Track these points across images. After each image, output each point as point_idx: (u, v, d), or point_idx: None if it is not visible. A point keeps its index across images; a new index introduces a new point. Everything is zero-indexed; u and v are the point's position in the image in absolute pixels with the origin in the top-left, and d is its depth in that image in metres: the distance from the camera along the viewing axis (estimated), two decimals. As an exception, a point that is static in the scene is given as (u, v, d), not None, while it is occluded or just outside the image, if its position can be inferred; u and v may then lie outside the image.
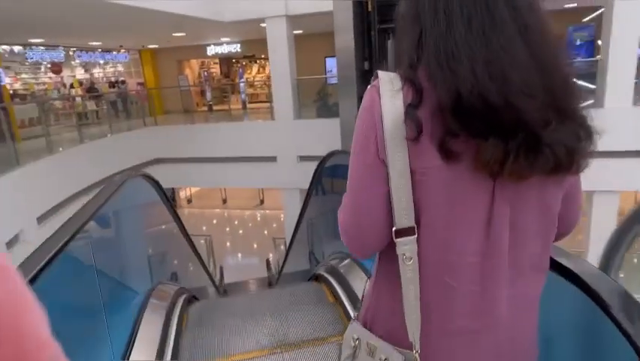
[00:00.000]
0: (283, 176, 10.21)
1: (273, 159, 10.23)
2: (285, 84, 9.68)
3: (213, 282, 7.77)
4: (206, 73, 18.54)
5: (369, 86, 0.81)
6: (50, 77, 21.06)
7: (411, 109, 0.74)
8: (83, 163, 8.63)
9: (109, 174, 9.43)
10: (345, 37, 7.23)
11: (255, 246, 14.54)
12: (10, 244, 6.11)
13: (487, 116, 0.70)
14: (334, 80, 11.04)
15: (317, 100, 10.09)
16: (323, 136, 9.73)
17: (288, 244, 10.66)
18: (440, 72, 0.72)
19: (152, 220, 4.31)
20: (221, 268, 10.93)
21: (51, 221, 7.08)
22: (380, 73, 0.80)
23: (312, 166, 10.25)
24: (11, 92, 14.49)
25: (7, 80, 19.35)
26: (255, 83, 19.10)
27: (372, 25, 7.37)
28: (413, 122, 0.73)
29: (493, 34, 0.72)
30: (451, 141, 0.72)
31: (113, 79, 17.21)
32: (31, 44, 13.72)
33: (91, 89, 15.48)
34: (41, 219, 6.89)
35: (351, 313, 2.89)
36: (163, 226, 4.62)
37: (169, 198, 4.47)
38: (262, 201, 18.37)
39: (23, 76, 20.83)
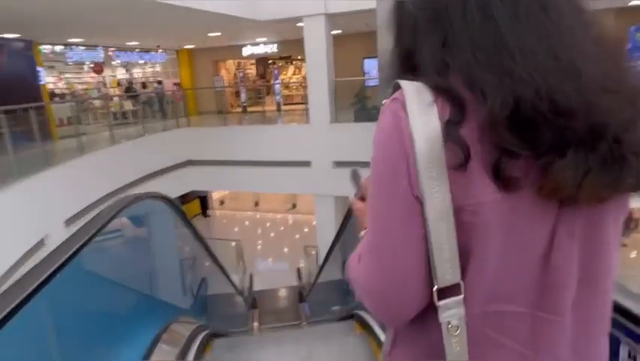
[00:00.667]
0: (317, 182, 9.78)
1: (307, 163, 9.82)
2: (321, 86, 9.25)
3: (241, 293, 7.46)
4: (241, 74, 18.41)
5: (386, 101, 0.67)
6: (92, 77, 21.64)
7: (452, 127, 0.59)
8: (114, 164, 8.49)
9: (140, 175, 9.31)
10: (388, 37, 6.73)
11: (286, 250, 14.22)
12: (35, 247, 5.95)
13: (559, 126, 0.55)
14: (373, 83, 10.55)
15: (354, 103, 9.60)
16: (360, 141, 9.21)
17: (325, 255, 10.24)
18: (489, 75, 0.57)
19: (169, 244, 3.96)
20: (250, 276, 10.61)
21: (80, 224, 6.93)
22: (403, 82, 0.64)
23: (349, 172, 9.66)
24: (53, 91, 14.79)
25: (50, 80, 19.95)
26: (290, 85, 18.82)
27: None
28: (456, 144, 0.58)
29: (548, 20, 0.58)
30: (510, 165, 0.57)
31: (143, 80, 17.37)
32: (70, 44, 13.90)
33: (129, 89, 15.60)
34: (69, 222, 6.72)
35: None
36: (183, 248, 4.26)
37: (187, 218, 4.11)
38: (294, 206, 18.05)
39: (67, 75, 21.45)
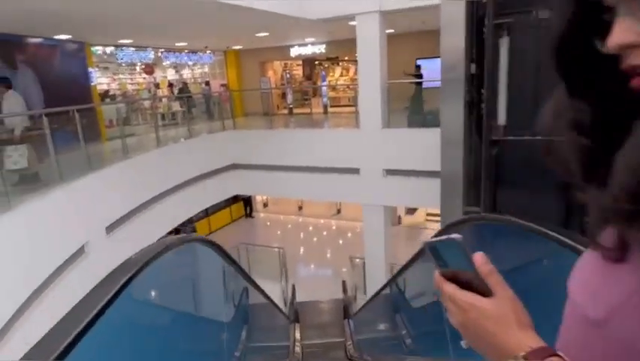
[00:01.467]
0: (366, 190, 9.19)
1: (355, 171, 9.25)
2: (373, 88, 8.64)
3: (282, 312, 7.02)
4: (288, 75, 18.08)
5: None
6: (144, 78, 22.09)
7: None
8: (158, 167, 8.29)
9: (184, 179, 9.08)
10: (454, 35, 6.00)
11: (329, 256, 13.75)
12: (76, 255, 5.75)
13: None
14: (429, 85, 9.82)
15: (408, 107, 8.93)
16: (414, 148, 8.56)
17: (371, 268, 9.62)
18: None
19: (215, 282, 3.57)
20: (293, 287, 10.17)
21: (121, 231, 6.71)
22: None
23: (400, 181, 9.17)
24: (107, 91, 15.04)
25: (104, 80, 20.47)
26: (338, 87, 18.30)
27: (485, 18, 6.08)
28: None
29: None
30: None
31: (191, 80, 17.38)
32: (121, 45, 14.04)
33: (182, 90, 15.64)
34: (110, 228, 6.51)
35: None
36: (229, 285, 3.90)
37: (232, 258, 3.73)
38: (339, 211, 17.50)
39: (120, 76, 21.99)
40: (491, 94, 4.75)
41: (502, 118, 4.89)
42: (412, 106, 8.87)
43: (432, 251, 0.67)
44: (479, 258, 0.64)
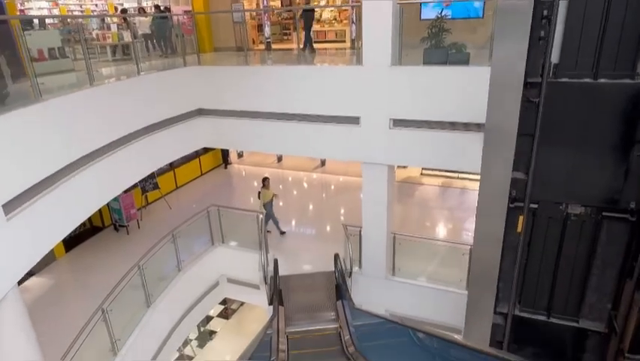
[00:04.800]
0: (368, 146, 7.32)
1: (354, 120, 7.31)
2: (381, 12, 6.53)
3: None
4: (265, 1, 15.44)
5: None
6: (96, 5, 18.89)
7: None
8: (96, 114, 6.15)
9: (133, 129, 6.97)
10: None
11: (312, 213, 12.11)
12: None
13: None
14: (456, 13, 7.71)
15: (425, 39, 6.89)
16: (434, 92, 6.65)
17: (369, 235, 7.96)
18: None
19: None
20: (275, 262, 8.49)
21: (28, 211, 4.70)
22: None
23: (411, 135, 7.25)
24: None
25: (44, 5, 17.20)
26: (323, 19, 15.82)
27: None
28: None
29: None
30: None
31: (144, 8, 14.64)
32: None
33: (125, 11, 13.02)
34: (11, 207, 4.50)
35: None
36: None
37: None
38: (323, 163, 15.67)
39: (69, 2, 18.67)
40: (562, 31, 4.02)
41: (567, 59, 4.11)
42: (431, 38, 6.82)
43: None
44: None
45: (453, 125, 6.63)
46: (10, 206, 4.49)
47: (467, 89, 6.28)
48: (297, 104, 7.67)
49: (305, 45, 10.75)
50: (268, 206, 10.22)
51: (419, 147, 6.99)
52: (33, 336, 4.96)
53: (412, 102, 6.81)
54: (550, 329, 5.28)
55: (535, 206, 4.93)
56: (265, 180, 10.34)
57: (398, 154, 7.18)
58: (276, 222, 10.48)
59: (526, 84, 4.40)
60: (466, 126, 6.54)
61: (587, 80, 4.14)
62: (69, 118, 5.62)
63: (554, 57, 4.20)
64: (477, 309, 5.81)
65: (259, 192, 10.38)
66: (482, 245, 5.41)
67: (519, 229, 5.29)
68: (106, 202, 6.68)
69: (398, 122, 7.03)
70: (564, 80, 4.21)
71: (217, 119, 8.40)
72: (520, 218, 5.24)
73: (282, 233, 10.51)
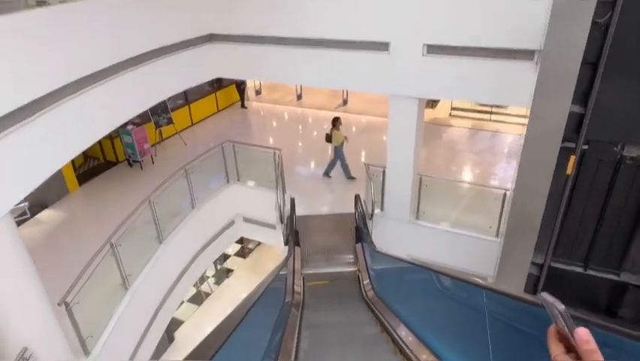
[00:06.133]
0: (397, 76, 6.54)
1: (383, 46, 6.49)
2: None
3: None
4: None
5: None
6: None
7: None
8: (87, 35, 5.50)
9: (134, 53, 6.32)
10: None
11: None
12: None
13: None
14: None
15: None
16: (477, 11, 5.74)
17: (394, 177, 7.37)
18: None
19: None
20: (292, 201, 8.04)
21: (22, 132, 4.22)
22: None
23: (447, 64, 6.42)
24: None
25: None
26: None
27: None
28: None
29: None
30: None
31: None
32: None
33: None
34: (2, 125, 4.03)
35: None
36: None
37: None
38: (345, 102, 14.85)
39: None
40: None
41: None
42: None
43: (545, 305, 0.77)
44: (582, 335, 0.68)
45: (497, 53, 5.78)
46: (2, 124, 4.03)
47: (519, 9, 5.37)
48: (318, 28, 6.84)
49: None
50: (339, 149, 9.49)
51: (456, 78, 6.18)
52: (32, 271, 4.67)
53: (450, 24, 5.93)
54: (586, 281, 4.85)
55: (585, 147, 4.36)
56: (336, 120, 9.50)
57: (431, 85, 6.40)
58: (346, 167, 9.78)
59: (598, 2, 3.67)
60: (514, 54, 5.68)
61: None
62: (67, 35, 5.01)
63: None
64: (512, 258, 5.31)
65: (328, 134, 9.62)
66: (525, 189, 4.82)
67: (569, 171, 4.72)
68: (111, 130, 6.19)
69: (433, 49, 6.18)
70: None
71: (230, 46, 7.65)
72: (572, 158, 4.64)
73: (352, 178, 9.73)
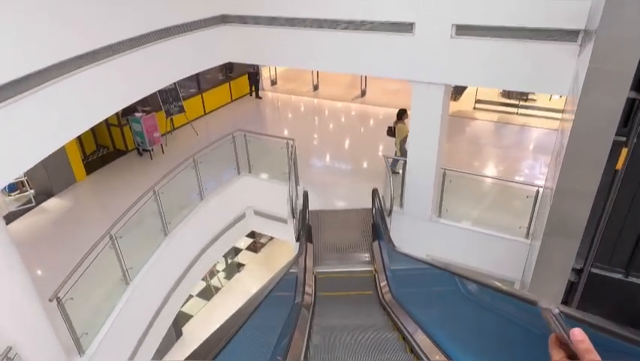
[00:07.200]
0: (422, 59, 5.99)
1: (407, 27, 5.94)
2: None
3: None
4: None
5: None
6: None
7: None
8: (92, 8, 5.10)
9: (142, 31, 5.91)
10: None
11: (349, 147, 11.02)
12: None
13: None
14: None
15: None
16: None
17: (414, 167, 6.78)
18: None
19: None
20: (305, 194, 7.55)
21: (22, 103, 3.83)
22: None
23: (478, 47, 5.87)
24: None
25: None
26: None
27: None
28: None
29: None
30: None
31: None
32: None
33: None
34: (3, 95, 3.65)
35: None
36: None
37: None
38: (363, 93, 14.28)
39: None
40: None
41: None
42: None
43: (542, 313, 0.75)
44: (577, 334, 0.69)
45: (534, 34, 5.18)
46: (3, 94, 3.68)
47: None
48: (336, 8, 6.32)
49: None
50: (404, 143, 8.55)
51: (487, 62, 5.59)
52: (18, 264, 4.31)
53: (482, 1, 5.35)
54: (626, 289, 4.46)
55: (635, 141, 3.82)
56: (403, 112, 8.65)
57: (460, 71, 5.82)
58: (396, 162, 8.74)
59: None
60: (554, 35, 5.07)
61: None
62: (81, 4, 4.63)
63: None
64: (550, 262, 4.74)
65: (391, 127, 8.73)
66: (569, 187, 4.26)
67: (619, 166, 4.18)
68: (114, 112, 5.82)
69: (463, 29, 5.61)
70: None
71: (244, 28, 7.18)
72: (623, 151, 4.08)
73: (396, 173, 8.61)
